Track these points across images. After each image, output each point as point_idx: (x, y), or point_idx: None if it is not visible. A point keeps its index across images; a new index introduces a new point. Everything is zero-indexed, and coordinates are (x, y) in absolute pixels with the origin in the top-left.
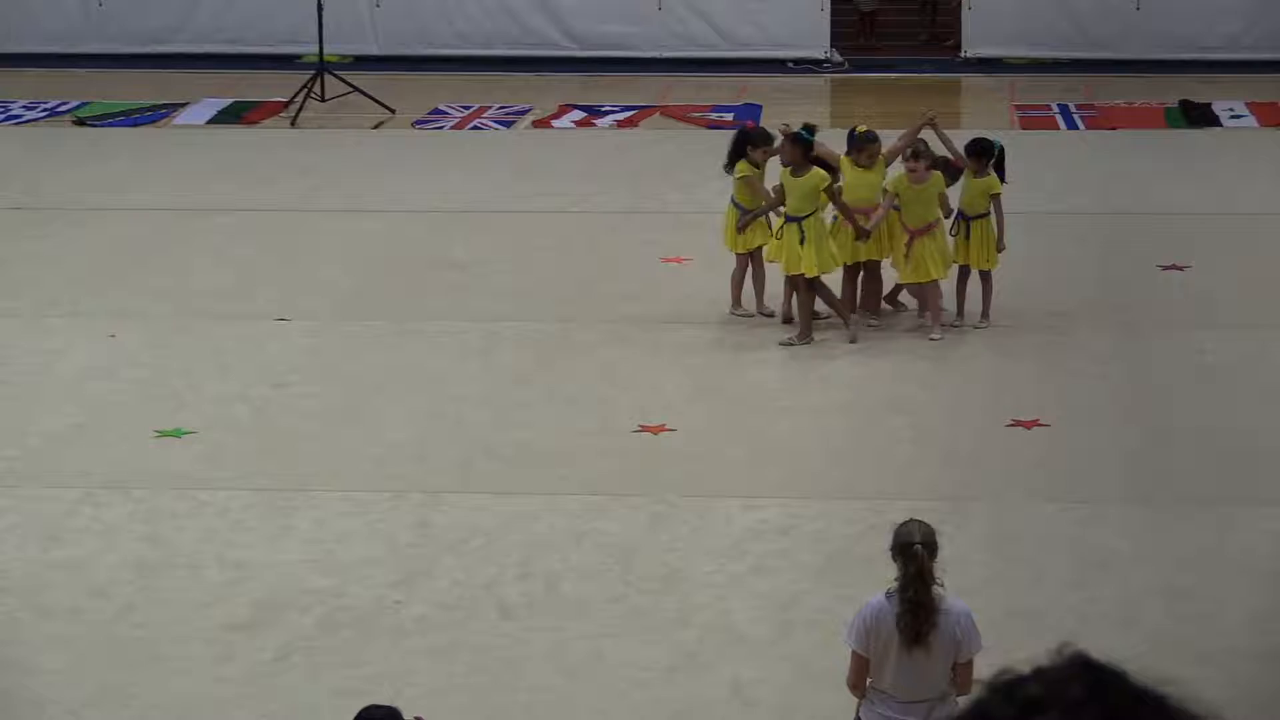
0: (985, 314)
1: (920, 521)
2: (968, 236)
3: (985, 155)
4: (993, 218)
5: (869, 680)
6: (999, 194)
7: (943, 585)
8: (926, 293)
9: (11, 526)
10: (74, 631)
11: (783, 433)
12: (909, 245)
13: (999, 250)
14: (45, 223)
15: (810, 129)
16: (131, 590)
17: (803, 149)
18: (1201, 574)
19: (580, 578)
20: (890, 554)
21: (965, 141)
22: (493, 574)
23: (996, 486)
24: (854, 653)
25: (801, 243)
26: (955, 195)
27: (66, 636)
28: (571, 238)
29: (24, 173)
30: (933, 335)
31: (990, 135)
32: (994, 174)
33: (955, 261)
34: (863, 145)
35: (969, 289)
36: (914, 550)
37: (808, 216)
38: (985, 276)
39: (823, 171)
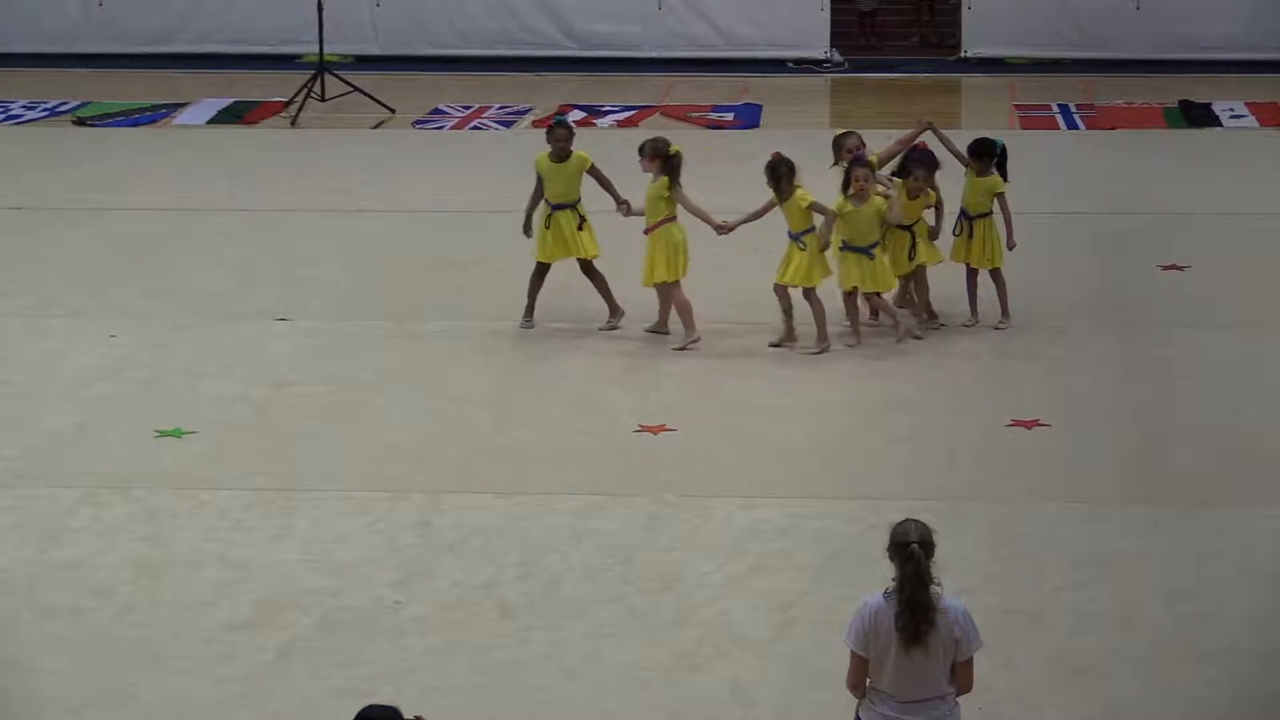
0: (1005, 313)
1: (917, 521)
2: (970, 236)
3: (987, 155)
4: (995, 217)
5: (868, 680)
6: (1004, 193)
7: (940, 585)
8: (660, 292)
9: (11, 526)
10: (74, 631)
11: (782, 433)
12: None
13: (1009, 248)
14: (45, 223)
15: (560, 115)
16: (131, 590)
17: (568, 135)
18: (1202, 574)
19: (580, 578)
20: (887, 554)
21: (965, 142)
22: (493, 574)
23: (996, 486)
24: (853, 653)
25: (547, 227)
26: (957, 195)
27: (66, 636)
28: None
29: (24, 173)
30: (647, 327)
31: (991, 135)
32: (997, 173)
33: (956, 261)
34: (837, 145)
35: (974, 290)
36: (910, 550)
37: (572, 205)
38: (996, 275)
39: (584, 154)
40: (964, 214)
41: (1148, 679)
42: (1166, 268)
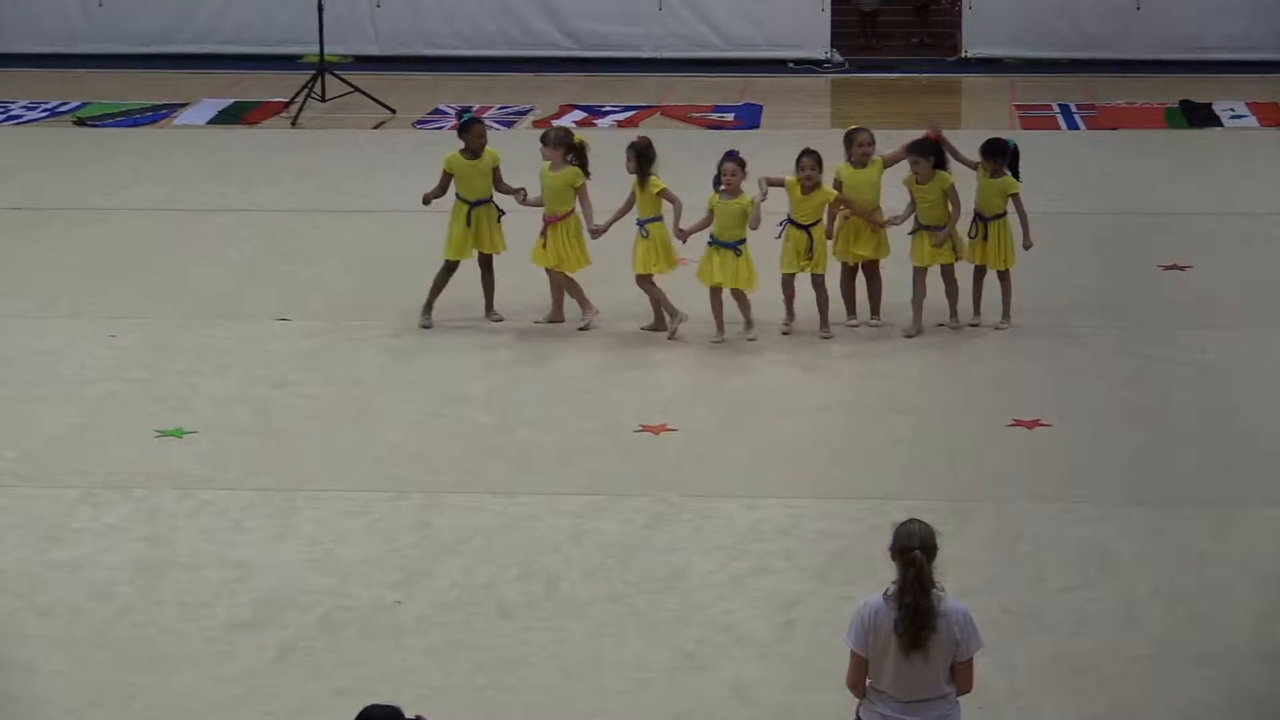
0: (1006, 315)
1: (920, 523)
2: (985, 237)
3: (1000, 155)
4: (1010, 218)
5: (868, 680)
6: (1017, 193)
7: (942, 589)
8: (560, 281)
9: (11, 526)
10: (74, 631)
11: (783, 433)
12: (544, 234)
13: (1026, 248)
14: (45, 223)
15: (468, 108)
16: (131, 590)
17: (484, 132)
18: (1202, 574)
19: (580, 578)
20: (889, 555)
21: (966, 143)
22: (493, 574)
23: (997, 486)
24: (853, 653)
25: (468, 225)
26: (968, 196)
27: (66, 636)
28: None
29: (24, 173)
30: (534, 318)
31: (995, 135)
32: (1010, 174)
33: (970, 261)
34: (849, 140)
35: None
36: (912, 556)
37: (489, 201)
38: (1004, 277)
39: (495, 151)
40: (979, 216)
41: (1148, 679)
42: (1166, 268)
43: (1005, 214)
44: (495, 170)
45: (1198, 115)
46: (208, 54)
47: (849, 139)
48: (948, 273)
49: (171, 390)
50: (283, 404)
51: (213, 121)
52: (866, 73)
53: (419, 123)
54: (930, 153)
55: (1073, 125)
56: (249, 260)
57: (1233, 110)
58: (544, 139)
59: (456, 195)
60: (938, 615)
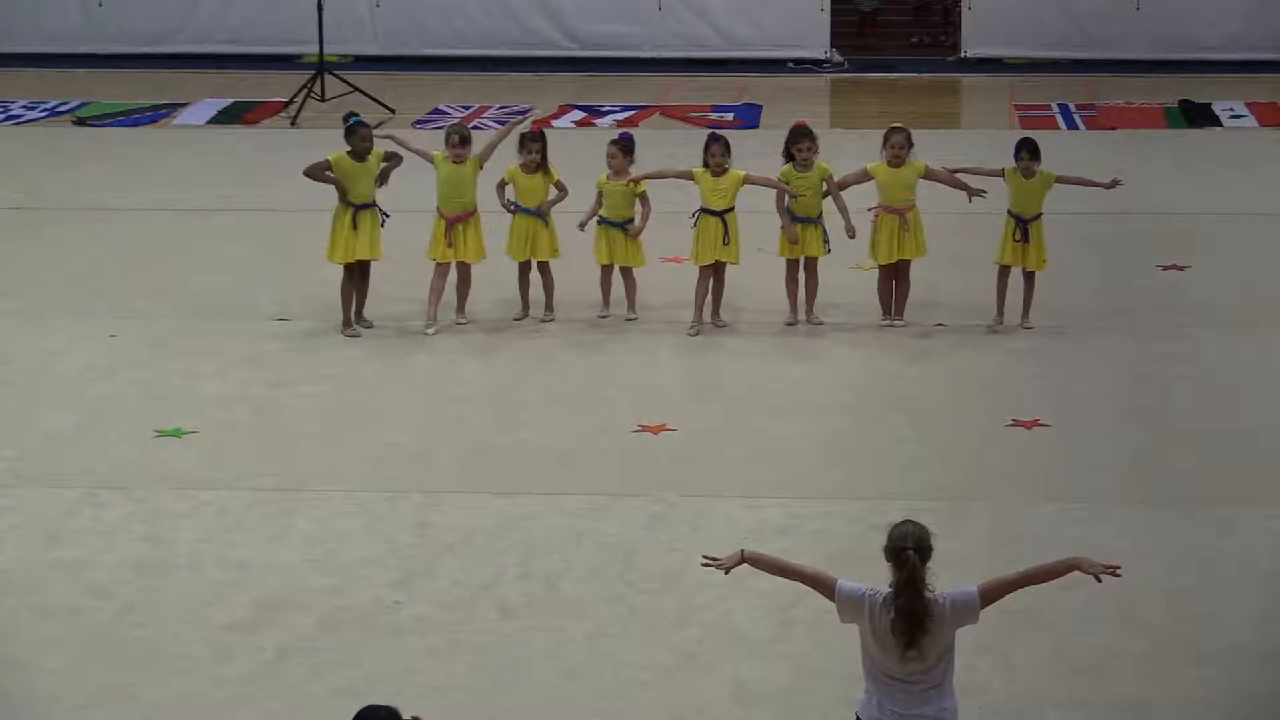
0: (1025, 314)
1: (915, 523)
2: (1026, 239)
3: (1036, 152)
4: (1045, 219)
5: (865, 665)
6: (1060, 175)
7: (933, 591)
8: (462, 275)
9: (11, 526)
10: (74, 631)
11: (783, 433)
12: (449, 231)
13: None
14: (45, 223)
15: (355, 114)
16: (131, 590)
17: (370, 134)
18: (1202, 574)
19: (580, 578)
20: (884, 555)
21: (964, 143)
22: (493, 574)
23: (996, 486)
24: (839, 592)
25: (354, 227)
26: (987, 201)
27: (66, 636)
28: (571, 237)
29: (24, 173)
30: (427, 330)
31: (988, 135)
32: (1048, 170)
33: (1013, 265)
34: (885, 139)
35: (989, 289)
36: (906, 557)
37: (373, 204)
38: (1030, 278)
39: (379, 151)
40: (1019, 220)
41: (1148, 679)
42: (1166, 268)
43: (1042, 214)
44: (383, 170)
45: (1197, 115)
46: (208, 54)
47: (885, 138)
48: (810, 265)
49: (171, 390)
50: (283, 404)
51: (213, 121)
52: (866, 73)
53: (419, 122)
54: (811, 136)
55: (1072, 125)
56: (249, 260)
57: (1232, 110)
58: (459, 138)
59: (340, 198)
60: (932, 617)
